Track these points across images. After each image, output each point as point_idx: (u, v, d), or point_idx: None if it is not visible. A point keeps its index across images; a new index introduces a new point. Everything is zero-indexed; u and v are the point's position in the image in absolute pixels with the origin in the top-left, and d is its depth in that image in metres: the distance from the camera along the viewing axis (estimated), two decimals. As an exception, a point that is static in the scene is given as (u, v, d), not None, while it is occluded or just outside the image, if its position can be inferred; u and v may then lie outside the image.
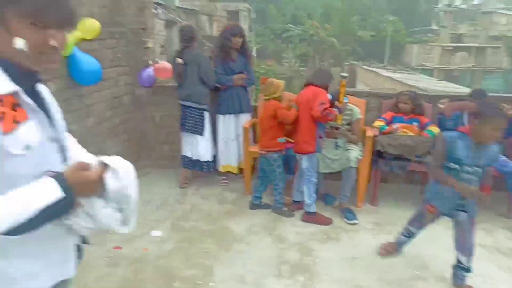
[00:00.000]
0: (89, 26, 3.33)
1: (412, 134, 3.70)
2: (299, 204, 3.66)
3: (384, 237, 3.22)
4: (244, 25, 26.67)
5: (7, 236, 0.93)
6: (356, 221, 3.46)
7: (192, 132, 3.99)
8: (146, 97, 4.42)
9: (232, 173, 4.23)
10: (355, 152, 3.56)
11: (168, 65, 4.33)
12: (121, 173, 1.05)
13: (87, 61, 3.30)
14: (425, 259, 2.92)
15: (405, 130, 3.76)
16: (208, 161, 4.07)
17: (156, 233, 3.23)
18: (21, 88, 0.99)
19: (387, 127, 3.81)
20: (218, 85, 3.97)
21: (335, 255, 2.97)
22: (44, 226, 0.97)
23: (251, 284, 2.62)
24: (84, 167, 1.02)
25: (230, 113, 4.04)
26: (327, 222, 3.45)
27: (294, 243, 3.13)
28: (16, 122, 0.97)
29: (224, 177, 4.25)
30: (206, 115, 3.99)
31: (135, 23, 4.21)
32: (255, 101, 4.40)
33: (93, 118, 3.71)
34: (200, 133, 3.98)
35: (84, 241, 1.28)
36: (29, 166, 1.00)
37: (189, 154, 4.09)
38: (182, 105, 3.99)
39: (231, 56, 3.95)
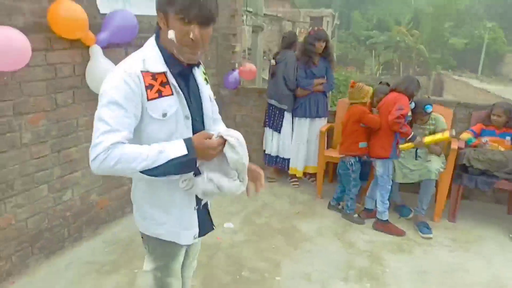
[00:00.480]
0: None
1: (502, 149, 3.46)
2: (370, 212, 3.62)
3: (461, 255, 3.06)
4: (327, 31, 26.47)
5: (150, 180, 1.31)
6: (431, 235, 3.32)
7: (271, 128, 4.25)
8: (229, 98, 4.69)
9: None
10: (436, 164, 3.42)
11: (253, 67, 4.58)
12: (238, 147, 1.31)
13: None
14: (503, 281, 2.73)
15: (495, 144, 3.52)
16: (282, 158, 4.28)
17: (229, 224, 3.43)
18: (169, 70, 1.32)
19: (475, 140, 3.60)
20: (299, 88, 4.09)
21: (406, 267, 2.90)
22: (170, 174, 1.26)
23: (316, 283, 2.68)
24: (207, 136, 1.31)
25: (305, 117, 4.13)
26: (399, 233, 3.37)
27: (363, 250, 3.12)
28: (160, 94, 1.31)
29: (295, 179, 4.35)
30: (287, 115, 4.18)
31: (226, 28, 4.50)
32: (333, 106, 4.43)
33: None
34: (278, 130, 4.21)
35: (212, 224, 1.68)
36: (164, 132, 1.33)
37: (268, 150, 4.33)
38: (268, 103, 4.27)
39: (314, 60, 4.04)
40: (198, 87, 1.46)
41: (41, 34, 2.48)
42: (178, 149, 1.24)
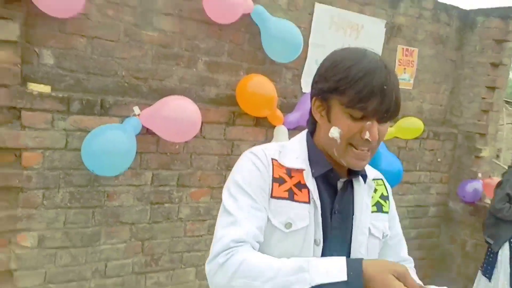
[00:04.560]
0: (409, 125, 2.99)
1: None
2: None
3: None
4: None
5: None
6: None
7: (481, 272, 2.89)
8: (461, 215, 3.45)
9: None
10: None
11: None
12: None
13: (390, 161, 2.88)
14: None
15: None
16: None
17: None
18: (311, 170, 0.95)
19: None
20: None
21: None
22: None
23: None
24: (399, 273, 0.77)
25: None
26: None
27: None
28: (291, 196, 0.93)
29: None
30: (499, 256, 2.77)
31: (472, 125, 3.44)
32: None
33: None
34: (486, 275, 2.83)
35: None
36: (280, 249, 0.92)
37: None
38: None
39: None
40: (352, 208, 0.98)
41: (228, 107, 2.34)
42: (331, 271, 0.78)
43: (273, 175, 0.94)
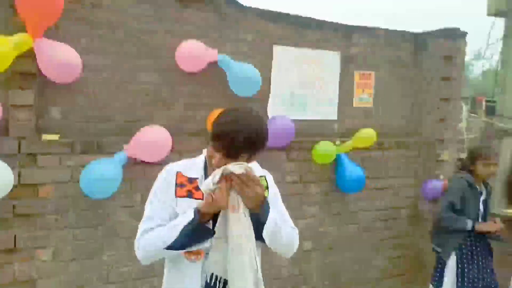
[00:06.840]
0: (363, 135, 3.37)
1: None
2: None
3: None
4: None
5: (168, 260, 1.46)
6: None
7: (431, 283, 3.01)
8: (429, 214, 3.83)
9: None
10: None
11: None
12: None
13: (352, 169, 3.32)
14: None
15: None
16: None
17: None
18: (204, 178, 1.41)
19: None
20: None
21: None
22: (189, 245, 1.36)
23: None
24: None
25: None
26: None
27: None
28: (190, 195, 1.42)
29: None
30: (450, 264, 2.80)
31: (431, 134, 3.86)
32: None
33: (355, 225, 3.60)
34: (435, 283, 2.91)
35: None
36: None
37: None
38: None
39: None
40: None
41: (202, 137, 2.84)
42: (187, 217, 1.34)
43: (176, 182, 1.43)
